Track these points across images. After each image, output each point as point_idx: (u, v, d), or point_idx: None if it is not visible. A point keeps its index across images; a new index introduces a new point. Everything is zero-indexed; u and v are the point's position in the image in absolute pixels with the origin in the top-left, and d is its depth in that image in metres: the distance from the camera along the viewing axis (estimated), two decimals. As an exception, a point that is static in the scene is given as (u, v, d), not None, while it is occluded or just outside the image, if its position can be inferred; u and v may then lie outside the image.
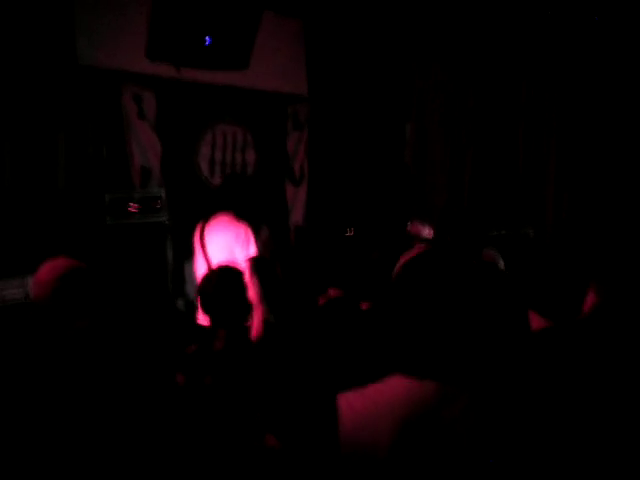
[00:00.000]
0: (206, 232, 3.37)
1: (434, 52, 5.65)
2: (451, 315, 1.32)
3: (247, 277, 3.05)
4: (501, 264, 3.20)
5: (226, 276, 2.47)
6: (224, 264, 2.66)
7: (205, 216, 3.51)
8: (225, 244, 3.28)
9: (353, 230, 4.70)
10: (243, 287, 2.47)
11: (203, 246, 3.35)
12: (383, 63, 5.79)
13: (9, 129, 3.80)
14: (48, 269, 1.98)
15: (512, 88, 5.19)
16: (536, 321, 1.93)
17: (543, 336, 1.88)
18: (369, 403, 1.28)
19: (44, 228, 3.88)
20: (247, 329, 2.61)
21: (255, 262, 2.96)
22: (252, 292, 2.80)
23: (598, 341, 1.81)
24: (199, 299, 2.44)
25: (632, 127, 4.34)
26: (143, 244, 4.24)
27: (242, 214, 3.37)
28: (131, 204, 4.18)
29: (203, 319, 2.66)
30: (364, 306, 2.59)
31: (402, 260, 2.01)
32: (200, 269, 3.38)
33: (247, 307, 2.49)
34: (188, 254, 3.89)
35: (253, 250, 3.30)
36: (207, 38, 3.99)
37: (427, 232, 3.79)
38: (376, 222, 5.36)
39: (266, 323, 2.77)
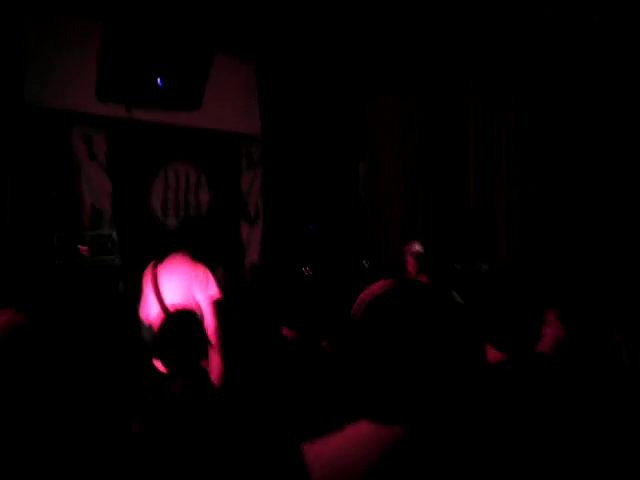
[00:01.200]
0: (160, 274, 3.27)
1: (384, 91, 5.80)
2: (420, 358, 1.30)
3: (209, 320, 2.98)
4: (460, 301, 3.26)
5: (180, 321, 2.40)
6: (179, 308, 2.59)
7: (158, 257, 3.42)
8: (181, 286, 3.19)
9: (309, 269, 4.70)
10: (196, 332, 2.40)
11: (157, 289, 3.24)
12: (335, 102, 5.90)
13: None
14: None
15: (459, 119, 5.36)
16: (492, 354, 1.95)
17: (499, 370, 1.90)
18: (337, 454, 1.24)
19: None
20: (205, 373, 2.55)
21: (218, 304, 2.91)
22: (213, 335, 2.74)
23: (556, 374, 1.83)
24: (154, 346, 2.37)
25: (581, 157, 4.52)
26: (94, 286, 4.12)
27: (197, 255, 3.31)
28: (81, 245, 4.07)
29: (158, 365, 2.58)
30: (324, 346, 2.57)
31: (366, 297, 1.99)
32: (153, 312, 3.27)
33: (201, 351, 2.43)
34: (141, 296, 3.79)
35: (214, 291, 3.21)
36: (159, 79, 3.98)
37: (417, 247, 4.12)
38: (333, 260, 5.37)
39: (227, 366, 2.71)
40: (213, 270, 3.49)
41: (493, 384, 1.85)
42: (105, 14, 3.87)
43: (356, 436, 1.24)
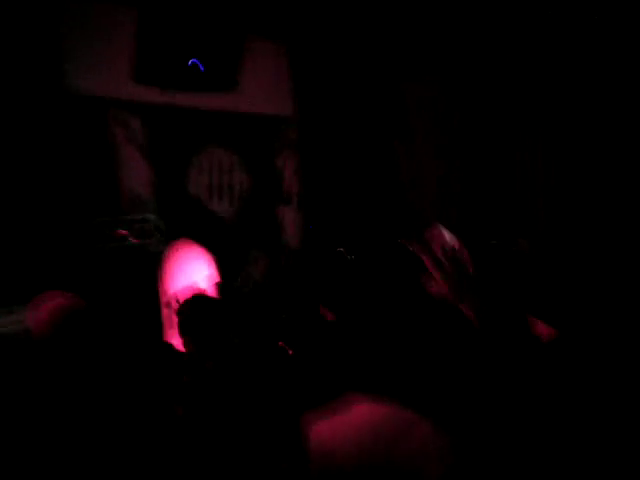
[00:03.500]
0: (169, 260, 3.30)
1: (421, 70, 5.71)
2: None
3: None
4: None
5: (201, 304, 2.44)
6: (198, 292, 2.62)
7: (201, 240, 3.45)
8: (188, 270, 3.22)
9: (347, 251, 4.67)
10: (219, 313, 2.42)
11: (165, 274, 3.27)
12: (370, 80, 5.82)
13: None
14: (49, 308, 1.93)
15: (496, 99, 5.26)
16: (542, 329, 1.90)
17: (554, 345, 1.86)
18: (339, 436, 1.22)
19: (30, 256, 3.78)
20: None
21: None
22: None
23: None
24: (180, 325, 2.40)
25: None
26: (139, 270, 4.15)
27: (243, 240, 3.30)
28: (122, 229, 4.10)
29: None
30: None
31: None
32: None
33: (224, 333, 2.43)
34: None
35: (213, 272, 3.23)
36: (194, 60, 3.99)
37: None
38: (372, 240, 5.32)
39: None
40: (251, 252, 3.49)
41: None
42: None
43: (357, 417, 1.21)
